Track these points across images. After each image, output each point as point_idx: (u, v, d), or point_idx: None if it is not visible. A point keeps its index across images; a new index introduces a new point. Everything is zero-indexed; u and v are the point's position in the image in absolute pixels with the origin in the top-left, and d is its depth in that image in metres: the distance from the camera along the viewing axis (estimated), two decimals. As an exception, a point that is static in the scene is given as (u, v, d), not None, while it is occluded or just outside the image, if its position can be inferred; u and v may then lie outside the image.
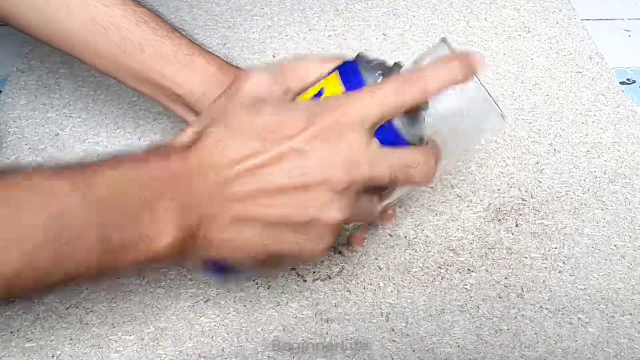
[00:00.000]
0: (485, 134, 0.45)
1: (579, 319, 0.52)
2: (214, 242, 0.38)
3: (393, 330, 0.51)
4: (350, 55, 0.42)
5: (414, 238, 0.57)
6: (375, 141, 0.38)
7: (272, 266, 0.42)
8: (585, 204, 0.60)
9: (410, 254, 0.56)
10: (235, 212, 0.37)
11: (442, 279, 0.54)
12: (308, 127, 0.36)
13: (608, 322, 0.52)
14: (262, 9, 0.80)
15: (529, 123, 0.68)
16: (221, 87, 0.48)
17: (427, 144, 0.40)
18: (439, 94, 0.38)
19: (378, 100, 0.37)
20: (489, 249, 0.57)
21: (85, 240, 0.33)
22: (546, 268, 0.55)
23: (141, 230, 0.35)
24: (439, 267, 0.55)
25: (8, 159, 0.61)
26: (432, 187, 0.61)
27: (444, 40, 0.42)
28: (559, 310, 0.53)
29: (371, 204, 0.42)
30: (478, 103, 0.42)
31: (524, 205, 0.60)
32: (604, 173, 0.63)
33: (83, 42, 0.52)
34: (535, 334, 0.51)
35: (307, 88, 0.41)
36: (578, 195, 0.61)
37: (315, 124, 0.36)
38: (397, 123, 0.38)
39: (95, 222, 0.34)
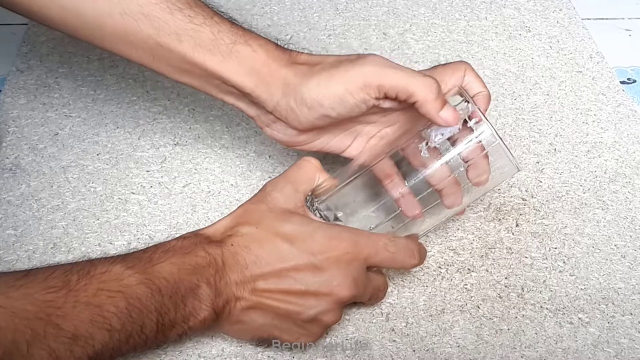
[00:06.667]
0: (497, 179, 0.50)
1: (579, 318, 0.52)
2: (230, 322, 0.45)
3: (393, 330, 0.51)
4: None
5: (414, 238, 0.57)
6: (365, 269, 0.46)
7: (264, 345, 0.49)
8: (586, 204, 0.60)
9: (410, 254, 0.56)
10: (254, 302, 0.44)
11: (442, 279, 0.54)
12: (327, 250, 0.44)
13: (608, 322, 0.52)
14: (262, 8, 0.80)
15: (530, 122, 0.68)
16: (273, 77, 0.48)
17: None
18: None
19: (384, 255, 0.46)
20: (489, 248, 0.57)
21: (148, 322, 0.40)
22: (546, 268, 0.55)
23: (186, 311, 0.42)
24: (439, 267, 0.55)
25: (7, 158, 0.61)
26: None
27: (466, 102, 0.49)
28: (559, 310, 0.53)
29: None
30: (492, 152, 0.48)
31: (524, 205, 0.60)
32: (605, 173, 0.63)
33: (113, 35, 0.48)
34: (536, 333, 0.51)
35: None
36: (578, 195, 0.61)
37: (334, 250, 0.44)
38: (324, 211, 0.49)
39: (154, 307, 0.40)
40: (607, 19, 0.83)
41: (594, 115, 0.69)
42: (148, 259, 0.42)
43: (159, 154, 0.62)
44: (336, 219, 0.49)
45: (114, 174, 0.61)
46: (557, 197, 0.61)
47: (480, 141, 0.48)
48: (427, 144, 0.49)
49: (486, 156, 0.48)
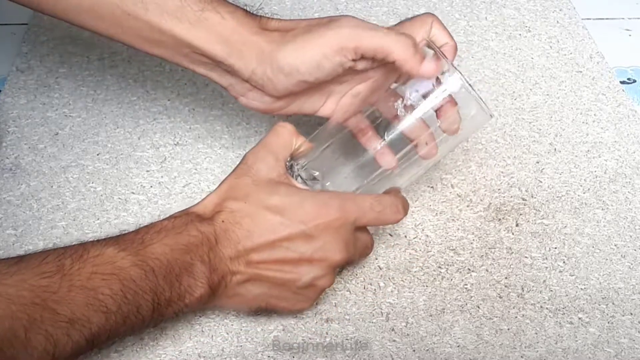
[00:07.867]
0: (471, 128, 0.51)
1: (579, 318, 0.52)
2: (227, 296, 0.45)
3: (393, 330, 0.51)
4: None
5: (414, 238, 0.57)
6: (354, 231, 0.47)
7: (262, 314, 0.50)
8: (586, 204, 0.60)
9: (410, 254, 0.56)
10: (250, 274, 0.45)
11: (442, 279, 0.54)
12: (317, 218, 0.45)
13: (609, 322, 0.52)
14: (262, 8, 0.80)
15: (530, 122, 0.68)
16: (245, 45, 0.48)
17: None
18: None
19: (371, 215, 0.47)
20: (489, 248, 0.57)
21: (144, 303, 0.41)
22: (546, 268, 0.55)
23: (181, 289, 0.42)
24: (439, 267, 0.55)
25: (7, 158, 0.61)
26: (432, 187, 0.61)
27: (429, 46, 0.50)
28: (559, 310, 0.53)
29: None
30: (464, 101, 0.48)
31: (524, 205, 0.60)
32: (605, 172, 0.63)
33: (78, 6, 0.48)
34: (536, 333, 0.51)
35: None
36: (578, 195, 0.61)
37: (323, 217, 0.45)
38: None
39: (149, 288, 0.41)
40: (607, 19, 0.83)
41: (594, 115, 0.69)
42: (140, 240, 0.42)
43: (159, 154, 0.62)
44: (314, 179, 0.49)
45: (114, 174, 0.61)
46: (557, 197, 0.61)
47: (450, 91, 0.48)
48: (402, 101, 0.49)
49: (456, 104, 0.49)
